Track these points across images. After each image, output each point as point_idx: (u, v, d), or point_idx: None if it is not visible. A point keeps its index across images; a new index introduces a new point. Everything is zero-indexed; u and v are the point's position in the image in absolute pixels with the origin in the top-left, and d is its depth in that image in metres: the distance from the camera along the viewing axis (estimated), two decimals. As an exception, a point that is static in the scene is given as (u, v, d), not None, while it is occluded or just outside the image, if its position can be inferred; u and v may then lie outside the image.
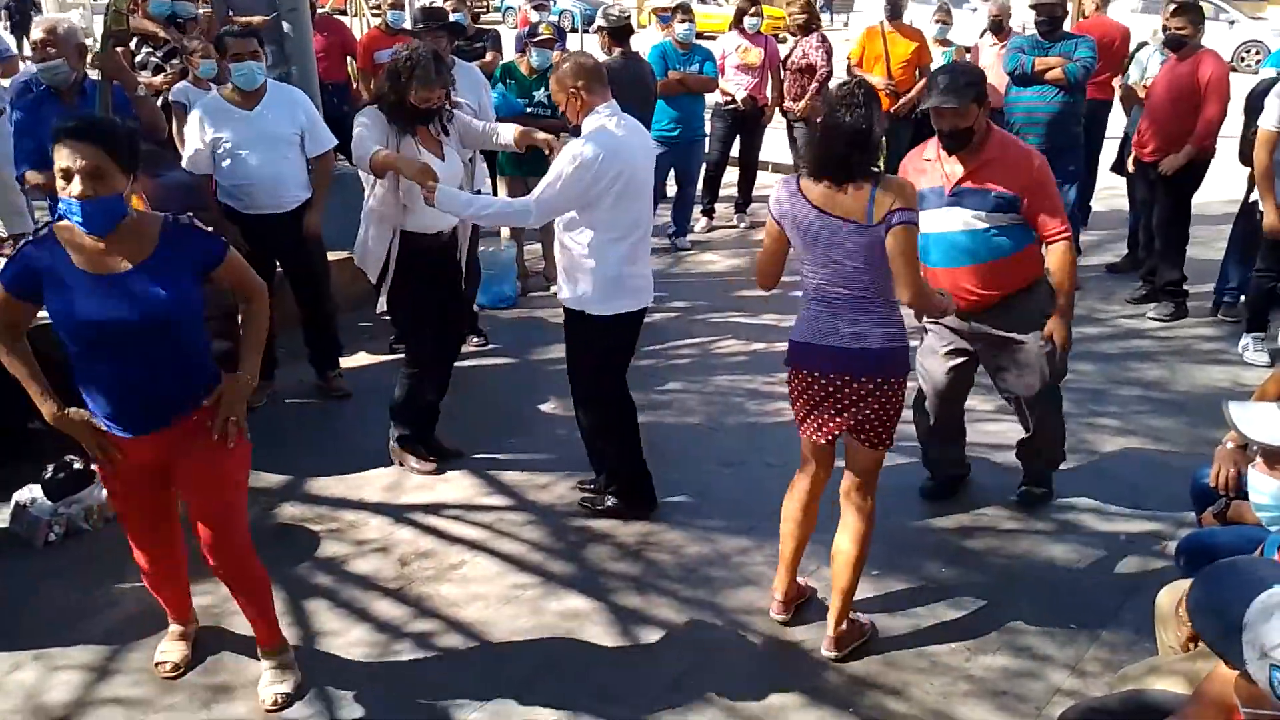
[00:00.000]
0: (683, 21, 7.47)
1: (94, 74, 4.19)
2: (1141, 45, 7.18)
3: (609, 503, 4.03)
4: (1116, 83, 7.27)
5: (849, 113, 2.88)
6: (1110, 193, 8.03)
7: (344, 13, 10.56)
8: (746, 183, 8.39)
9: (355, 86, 7.84)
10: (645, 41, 8.52)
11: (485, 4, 33.82)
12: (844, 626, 3.22)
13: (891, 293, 3.01)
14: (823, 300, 3.05)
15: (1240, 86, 5.98)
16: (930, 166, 3.69)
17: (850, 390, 3.04)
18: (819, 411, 3.13)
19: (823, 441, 3.18)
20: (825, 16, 8.24)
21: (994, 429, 4.56)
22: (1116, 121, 7.44)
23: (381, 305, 4.21)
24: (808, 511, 3.30)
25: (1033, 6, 6.48)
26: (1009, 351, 3.77)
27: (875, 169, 2.95)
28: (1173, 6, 5.94)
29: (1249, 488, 2.32)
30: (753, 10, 7.80)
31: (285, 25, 6.11)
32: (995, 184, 3.58)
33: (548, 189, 3.56)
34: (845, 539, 3.18)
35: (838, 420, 3.10)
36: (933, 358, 3.94)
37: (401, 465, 4.42)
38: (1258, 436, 2.29)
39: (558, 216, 3.67)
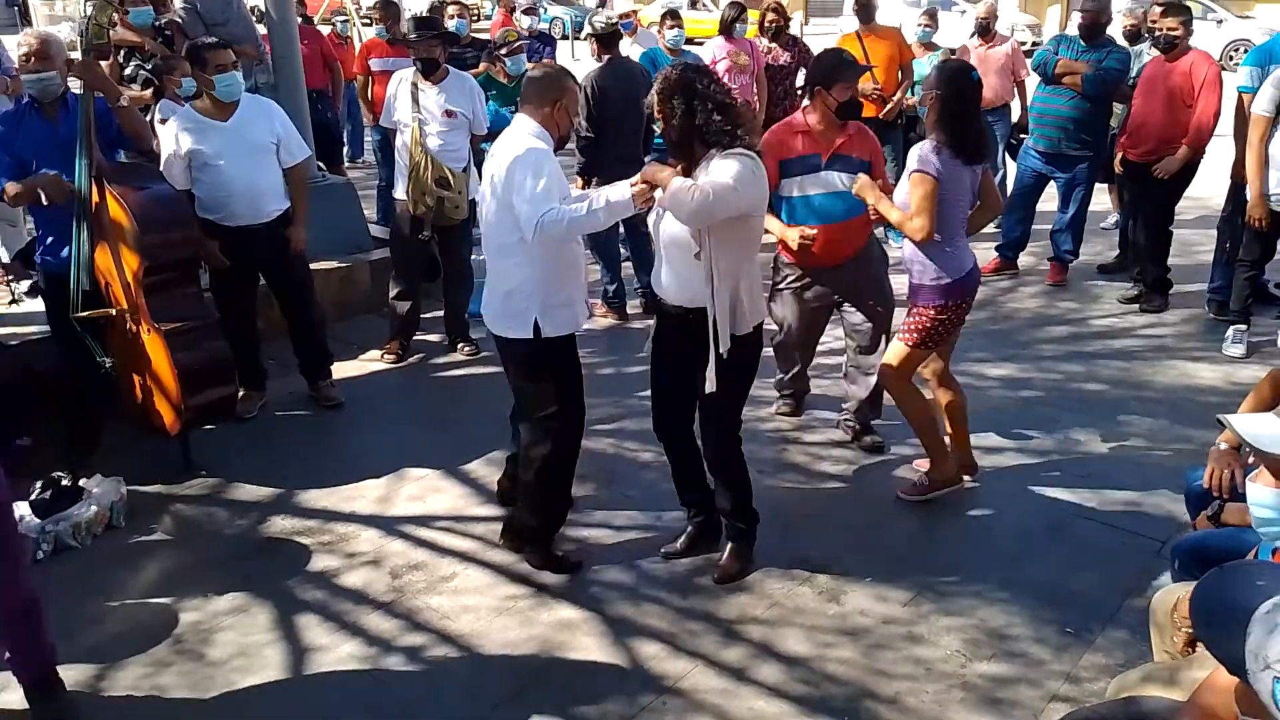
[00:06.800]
0: (672, 27, 7.44)
1: (75, 86, 4.15)
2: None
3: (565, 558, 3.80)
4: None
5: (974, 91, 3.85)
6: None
7: (334, 22, 10.60)
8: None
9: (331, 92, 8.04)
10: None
11: (477, 12, 33.83)
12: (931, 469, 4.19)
13: None
14: (962, 236, 3.92)
15: (1231, 85, 5.96)
16: (805, 137, 4.27)
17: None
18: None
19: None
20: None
21: (998, 442, 4.56)
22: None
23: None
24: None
25: (1080, 11, 6.52)
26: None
27: None
28: (1163, 7, 5.93)
29: (1249, 501, 2.25)
30: (740, 17, 7.79)
31: (272, 37, 6.12)
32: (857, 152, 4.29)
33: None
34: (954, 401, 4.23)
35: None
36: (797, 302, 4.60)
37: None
38: (1268, 448, 2.18)
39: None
